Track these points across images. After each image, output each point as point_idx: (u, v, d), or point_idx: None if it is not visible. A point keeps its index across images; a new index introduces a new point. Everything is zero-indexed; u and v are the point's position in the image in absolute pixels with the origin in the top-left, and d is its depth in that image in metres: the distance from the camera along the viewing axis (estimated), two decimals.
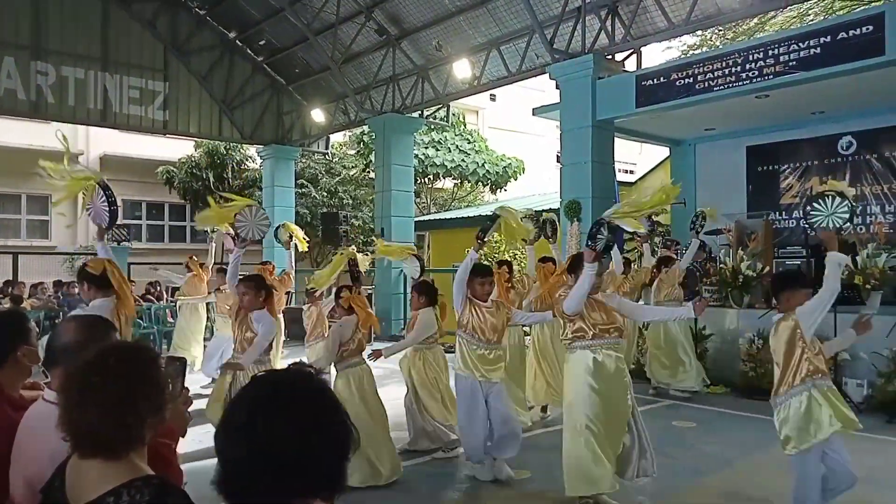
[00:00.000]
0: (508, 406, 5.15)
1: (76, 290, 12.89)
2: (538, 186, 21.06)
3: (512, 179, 20.98)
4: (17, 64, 13.20)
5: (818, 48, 7.72)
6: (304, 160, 19.35)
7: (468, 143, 20.58)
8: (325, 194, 19.60)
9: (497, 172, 20.53)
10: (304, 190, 18.81)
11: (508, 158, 21.00)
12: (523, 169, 21.14)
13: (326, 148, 18.02)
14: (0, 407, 2.15)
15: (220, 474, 1.27)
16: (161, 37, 14.99)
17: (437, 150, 19.78)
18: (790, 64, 7.94)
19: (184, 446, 2.20)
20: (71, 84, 13.88)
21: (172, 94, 15.20)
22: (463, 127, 21.10)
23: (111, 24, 14.34)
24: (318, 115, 15.52)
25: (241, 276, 5.31)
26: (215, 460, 1.28)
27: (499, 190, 21.45)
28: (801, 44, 7.88)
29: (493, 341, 5.06)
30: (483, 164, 20.29)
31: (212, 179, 18.97)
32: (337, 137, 19.49)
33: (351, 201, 19.73)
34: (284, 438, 1.24)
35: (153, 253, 18.90)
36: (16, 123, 17.34)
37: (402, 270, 13.80)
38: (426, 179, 20.26)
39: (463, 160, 20.02)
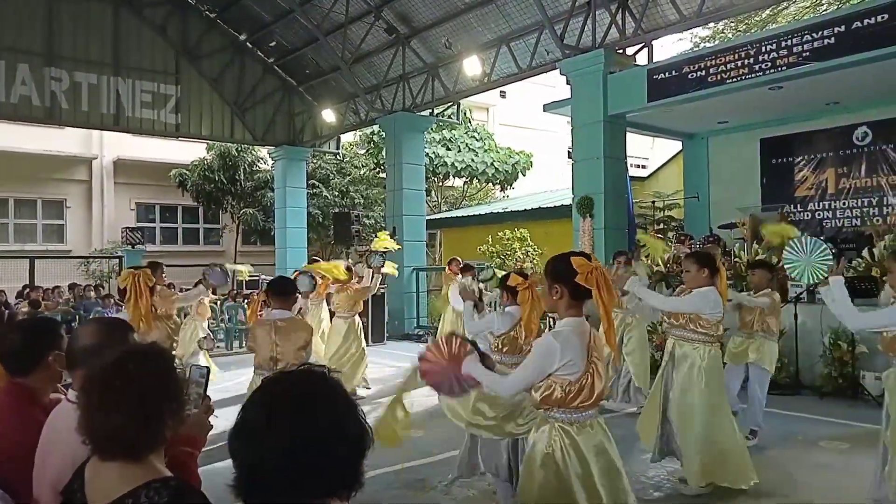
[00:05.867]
0: None
1: (91, 294, 13.04)
2: (550, 183, 20.98)
3: (521, 174, 20.90)
4: (32, 70, 13.36)
5: (832, 38, 7.61)
6: (315, 160, 19.41)
7: (477, 141, 20.52)
8: (337, 194, 19.65)
9: (506, 170, 20.47)
10: (315, 190, 18.86)
11: (517, 154, 20.93)
12: (531, 163, 21.05)
13: (337, 148, 18.05)
14: (33, 413, 2.17)
15: (238, 477, 1.27)
16: (172, 41, 15.09)
17: (448, 149, 19.76)
18: (804, 55, 7.84)
19: None
20: (84, 89, 14.01)
21: (184, 97, 15.30)
22: (470, 123, 21.01)
23: (122, 29, 14.46)
24: (328, 116, 15.55)
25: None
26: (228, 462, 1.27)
27: (508, 187, 21.40)
28: (814, 34, 7.77)
29: None
30: (492, 164, 20.23)
31: (224, 181, 19.08)
32: (347, 137, 19.52)
33: (362, 201, 19.77)
34: (302, 439, 1.23)
35: (167, 255, 19.05)
36: (31, 129, 17.51)
37: (413, 269, 13.83)
38: (437, 178, 20.25)
39: (473, 159, 19.98)
